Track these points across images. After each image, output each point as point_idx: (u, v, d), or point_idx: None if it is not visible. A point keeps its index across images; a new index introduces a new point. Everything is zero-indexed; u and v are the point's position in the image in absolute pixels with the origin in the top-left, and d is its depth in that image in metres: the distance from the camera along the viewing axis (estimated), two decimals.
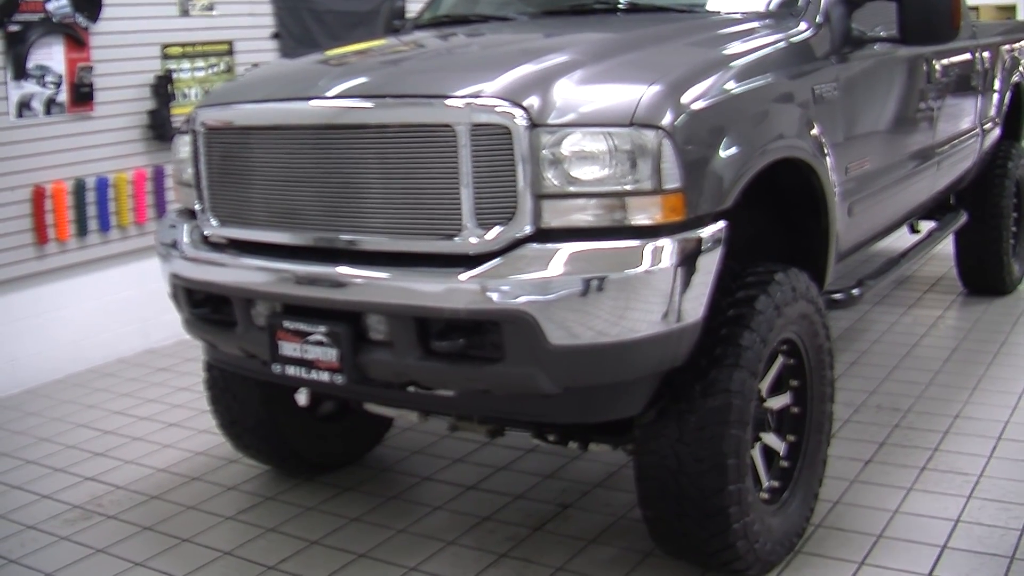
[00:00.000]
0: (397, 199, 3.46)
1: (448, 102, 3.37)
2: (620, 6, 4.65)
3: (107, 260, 6.91)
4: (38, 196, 6.43)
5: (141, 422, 5.82)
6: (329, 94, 3.67)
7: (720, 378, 3.52)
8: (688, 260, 3.32)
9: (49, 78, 6.46)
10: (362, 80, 3.77)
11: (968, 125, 6.35)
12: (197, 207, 4.05)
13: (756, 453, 3.83)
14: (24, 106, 6.36)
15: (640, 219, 3.28)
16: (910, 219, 6.27)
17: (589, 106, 3.35)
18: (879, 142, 4.85)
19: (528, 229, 3.29)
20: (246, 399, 4.64)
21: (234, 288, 3.89)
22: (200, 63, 7.39)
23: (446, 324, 3.41)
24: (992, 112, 6.89)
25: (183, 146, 4.17)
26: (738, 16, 4.38)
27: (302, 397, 4.81)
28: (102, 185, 6.79)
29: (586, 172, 3.27)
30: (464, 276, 3.30)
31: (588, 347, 3.29)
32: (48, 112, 6.48)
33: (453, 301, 3.33)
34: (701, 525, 3.62)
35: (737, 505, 3.58)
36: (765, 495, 3.90)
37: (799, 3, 4.39)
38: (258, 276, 3.77)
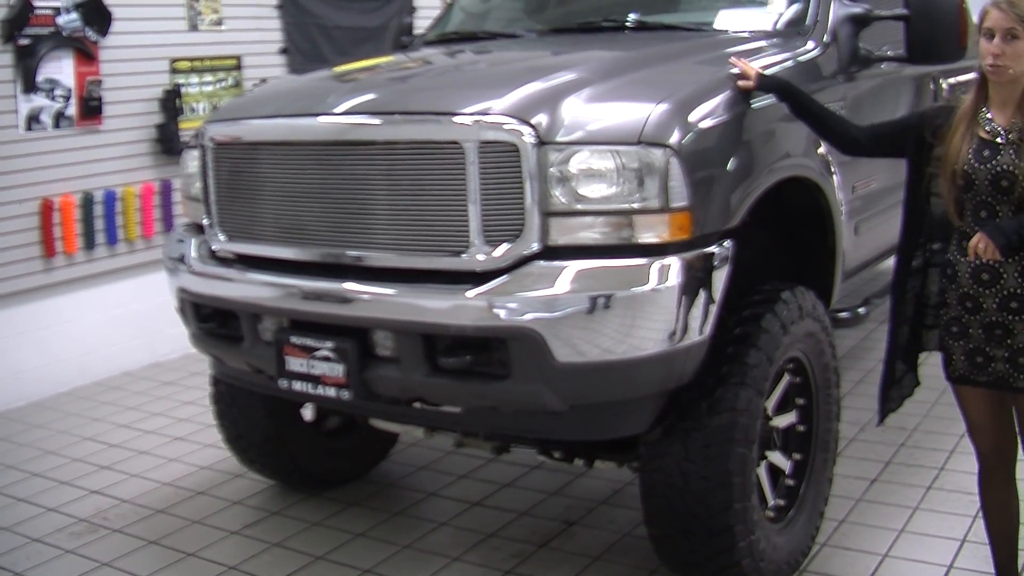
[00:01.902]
0: (404, 215, 3.47)
1: (456, 119, 3.39)
2: (628, 24, 4.66)
3: (114, 273, 6.93)
4: (46, 209, 6.45)
5: (147, 436, 5.83)
6: (337, 110, 3.68)
7: (726, 396, 3.52)
8: (695, 278, 3.33)
9: (58, 91, 6.49)
10: (370, 96, 3.79)
11: None
12: (205, 222, 4.07)
13: (762, 471, 3.83)
14: (33, 119, 6.39)
15: (647, 237, 3.28)
16: None
17: (597, 124, 3.36)
18: (885, 161, 4.83)
19: (535, 246, 3.30)
20: (252, 414, 4.65)
21: (241, 303, 3.90)
22: (208, 78, 7.41)
23: (453, 341, 3.42)
24: None
25: (192, 161, 4.18)
26: (746, 35, 4.39)
27: (308, 412, 4.82)
28: (110, 199, 6.81)
29: (593, 190, 3.28)
30: (471, 293, 3.31)
31: (595, 364, 3.29)
32: (57, 125, 6.50)
33: (460, 318, 3.33)
34: (706, 543, 3.61)
35: (742, 523, 3.57)
36: (771, 513, 3.89)
37: (807, 22, 4.40)
38: (265, 291, 3.78)
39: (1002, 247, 3.12)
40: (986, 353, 3.30)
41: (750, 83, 3.64)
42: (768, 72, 3.81)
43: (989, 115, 3.24)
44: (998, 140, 3.20)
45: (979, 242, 3.14)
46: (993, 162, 3.18)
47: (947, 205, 3.29)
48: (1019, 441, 3.47)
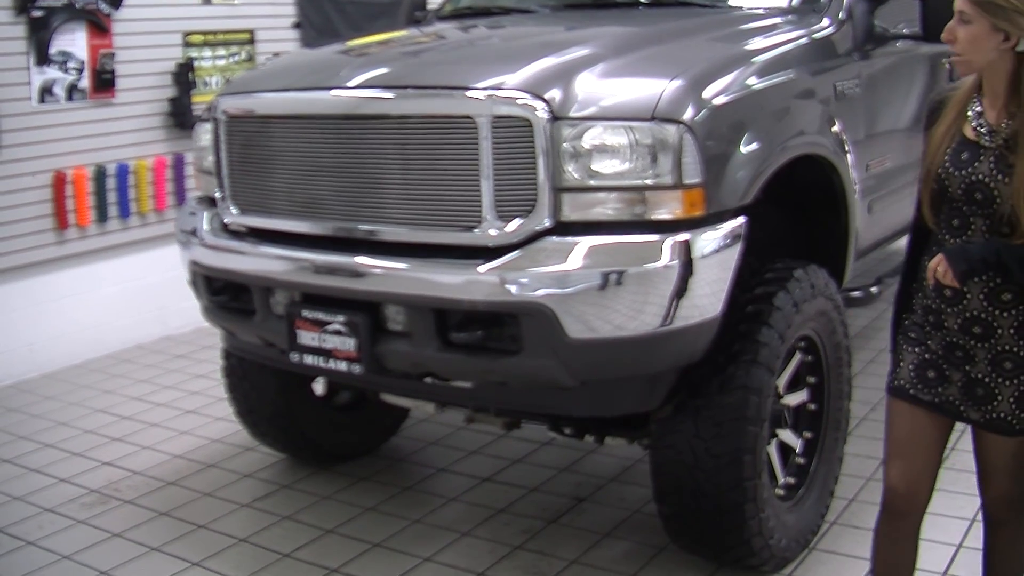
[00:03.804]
0: (417, 190, 3.46)
1: (469, 94, 3.38)
2: (642, 0, 4.64)
3: (126, 246, 6.94)
4: (59, 182, 6.46)
5: (158, 408, 5.85)
6: (350, 84, 3.68)
7: (738, 374, 3.52)
8: (707, 255, 3.32)
9: (71, 64, 6.48)
10: (383, 71, 3.78)
11: None
12: (217, 195, 4.07)
13: (772, 449, 3.83)
14: (46, 91, 6.39)
15: (660, 214, 3.27)
16: None
17: (610, 100, 3.35)
18: (900, 140, 4.83)
19: (547, 222, 3.29)
20: (263, 387, 4.66)
21: (253, 276, 3.90)
22: (221, 51, 7.40)
23: (464, 316, 3.42)
24: None
25: (204, 134, 4.18)
26: (760, 12, 4.37)
27: (319, 386, 4.83)
28: (122, 171, 6.81)
29: (606, 166, 3.27)
30: (483, 268, 3.31)
31: (606, 341, 3.29)
32: (70, 98, 6.51)
33: (472, 293, 3.33)
34: (716, 520, 3.62)
35: (752, 501, 3.58)
36: (781, 491, 3.89)
37: None
38: (277, 264, 3.78)
39: (961, 274, 2.72)
40: (941, 370, 2.88)
41: None
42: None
43: (979, 107, 2.78)
44: (982, 141, 2.74)
45: (938, 264, 2.75)
46: (969, 169, 2.74)
47: (923, 204, 2.87)
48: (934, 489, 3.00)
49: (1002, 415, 2.84)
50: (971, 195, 2.74)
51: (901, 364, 2.96)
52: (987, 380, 2.83)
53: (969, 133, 2.77)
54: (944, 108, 2.86)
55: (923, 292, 2.91)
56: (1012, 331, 2.78)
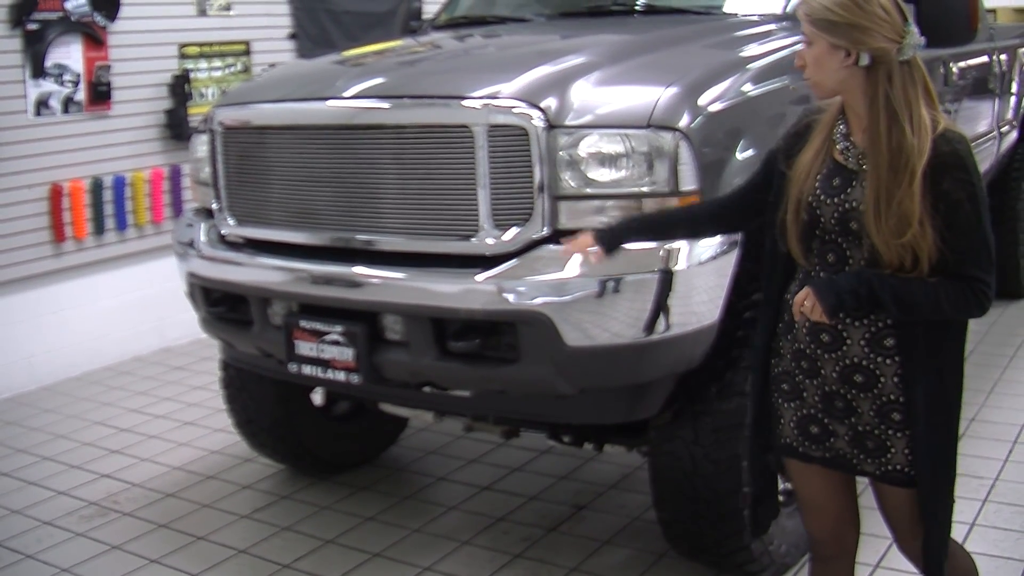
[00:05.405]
0: (414, 199, 3.47)
1: (465, 103, 3.38)
2: (637, 8, 4.65)
3: (124, 259, 6.93)
4: (56, 194, 6.46)
5: (157, 420, 5.84)
6: (346, 94, 3.68)
7: (736, 380, 3.52)
8: (704, 262, 3.32)
9: (67, 77, 6.49)
10: (379, 80, 3.78)
11: (985, 128, 6.33)
12: (214, 206, 4.07)
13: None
14: (42, 104, 6.39)
15: None
16: None
17: (606, 108, 3.35)
18: None
19: (545, 230, 3.30)
20: (262, 398, 4.66)
21: (251, 287, 3.90)
22: (217, 63, 7.41)
23: (462, 325, 3.42)
24: (1009, 115, 6.86)
25: (200, 145, 4.18)
26: (755, 18, 4.37)
27: (318, 397, 4.83)
28: (119, 184, 6.81)
29: (603, 173, 3.27)
30: (480, 277, 3.31)
31: (604, 348, 3.29)
32: (66, 111, 6.51)
33: (469, 302, 3.33)
34: (716, 527, 3.62)
35: None
36: (780, 497, 3.88)
37: None
38: (275, 275, 3.79)
39: (830, 308, 2.48)
40: (824, 424, 2.69)
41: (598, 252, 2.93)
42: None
43: (844, 129, 2.60)
44: (850, 165, 2.56)
45: (805, 299, 2.51)
46: (843, 195, 2.54)
47: (791, 242, 2.63)
48: (861, 526, 2.96)
49: (898, 467, 2.65)
50: (846, 224, 2.53)
51: (782, 421, 2.78)
52: (876, 432, 2.64)
53: (838, 157, 2.58)
54: (810, 133, 2.66)
55: (793, 335, 2.70)
56: (896, 379, 2.58)
